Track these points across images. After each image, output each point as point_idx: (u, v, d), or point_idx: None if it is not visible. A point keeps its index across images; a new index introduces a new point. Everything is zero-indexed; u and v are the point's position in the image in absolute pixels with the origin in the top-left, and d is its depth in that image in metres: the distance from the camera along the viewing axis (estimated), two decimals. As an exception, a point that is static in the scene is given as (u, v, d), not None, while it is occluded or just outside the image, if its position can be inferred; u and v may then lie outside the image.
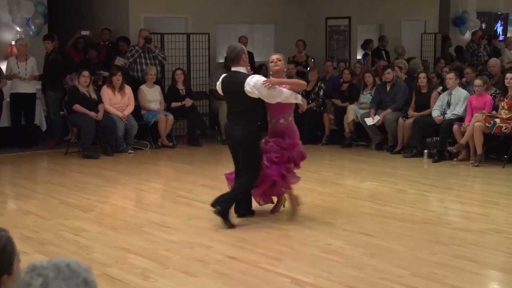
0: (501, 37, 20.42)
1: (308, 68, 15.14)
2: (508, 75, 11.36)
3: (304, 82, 8.01)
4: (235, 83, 7.60)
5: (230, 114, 7.87)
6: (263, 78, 7.54)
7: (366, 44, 17.07)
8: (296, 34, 16.10)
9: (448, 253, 6.55)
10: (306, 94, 13.88)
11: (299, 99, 7.70)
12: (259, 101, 7.60)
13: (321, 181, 10.14)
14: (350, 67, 14.73)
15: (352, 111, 13.19)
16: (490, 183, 10.18)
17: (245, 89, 7.48)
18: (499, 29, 20.56)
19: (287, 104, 7.68)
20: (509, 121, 11.17)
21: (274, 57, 7.89)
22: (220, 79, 7.97)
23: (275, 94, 7.49)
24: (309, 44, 15.89)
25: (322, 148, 13.28)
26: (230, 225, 7.49)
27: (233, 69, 7.77)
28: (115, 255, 6.53)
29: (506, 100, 11.29)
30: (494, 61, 13.47)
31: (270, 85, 7.43)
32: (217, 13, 15.40)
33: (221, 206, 7.48)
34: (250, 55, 15.62)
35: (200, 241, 6.98)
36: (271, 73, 7.86)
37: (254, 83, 7.48)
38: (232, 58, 7.75)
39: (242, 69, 7.71)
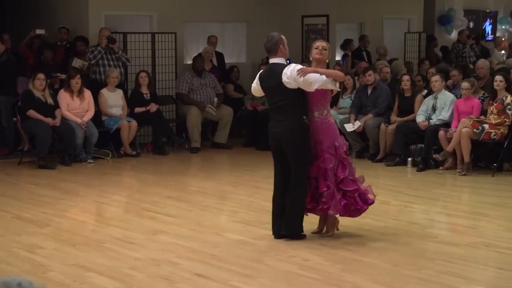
0: (489, 37, 20.59)
1: (283, 70, 15.14)
2: (497, 77, 11.46)
3: (342, 74, 7.85)
4: (273, 75, 7.53)
5: (271, 111, 7.72)
6: (299, 66, 7.44)
7: (345, 44, 17.15)
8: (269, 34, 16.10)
9: (434, 268, 6.59)
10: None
11: (337, 86, 7.62)
12: (301, 93, 7.47)
13: (297, 192, 10.14)
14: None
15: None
16: (478, 193, 10.27)
17: (282, 80, 7.42)
18: (488, 28, 20.73)
19: (321, 95, 7.51)
20: (498, 127, 11.27)
21: (320, 44, 7.72)
22: (258, 74, 7.85)
23: (312, 81, 7.33)
24: (284, 44, 15.92)
25: (298, 157, 13.29)
26: (304, 236, 7.64)
27: (270, 61, 7.68)
28: (74, 274, 6.49)
29: (495, 104, 11.40)
30: (482, 63, 13.58)
31: (302, 73, 7.32)
32: (184, 11, 15.40)
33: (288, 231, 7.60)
34: (220, 55, 15.71)
35: (166, 257, 6.96)
36: (311, 59, 7.71)
37: (290, 72, 7.39)
38: (269, 49, 7.66)
39: (280, 60, 7.62)
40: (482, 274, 6.63)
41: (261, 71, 7.97)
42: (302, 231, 7.65)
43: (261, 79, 7.75)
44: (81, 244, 7.52)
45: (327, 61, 7.76)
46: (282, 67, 7.52)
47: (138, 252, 7.18)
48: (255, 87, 7.88)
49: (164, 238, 7.73)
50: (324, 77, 7.37)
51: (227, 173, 12.26)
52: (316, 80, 7.34)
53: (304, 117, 7.52)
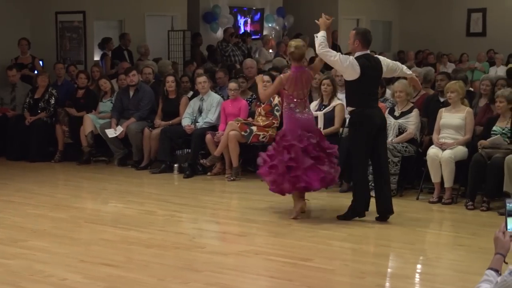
0: (242, 31, 20.96)
1: (36, 72, 14.85)
2: (265, 77, 11.79)
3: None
4: (376, 66, 8.82)
5: (371, 100, 8.87)
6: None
7: (104, 43, 17.01)
8: (19, 32, 15.71)
9: (203, 281, 6.68)
10: (34, 103, 13.61)
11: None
12: None
13: (54, 205, 9.97)
14: (86, 71, 14.64)
15: (90, 122, 13.10)
16: (248, 199, 10.49)
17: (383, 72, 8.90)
18: (241, 24, 21.10)
19: None
20: (267, 129, 11.61)
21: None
22: (358, 62, 8.64)
23: None
24: (35, 43, 15.57)
25: (55, 166, 13.10)
26: None
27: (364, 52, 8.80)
28: None
29: (263, 106, 11.73)
30: (250, 62, 13.95)
31: None
32: None
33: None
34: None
35: None
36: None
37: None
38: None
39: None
40: (253, 284, 6.80)
41: (361, 59, 8.68)
42: None
43: (364, 68, 8.62)
44: None
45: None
46: (378, 58, 8.99)
47: None
48: (355, 68, 8.63)
49: None
50: None
51: (-26, 187, 11.81)
52: None
53: None
